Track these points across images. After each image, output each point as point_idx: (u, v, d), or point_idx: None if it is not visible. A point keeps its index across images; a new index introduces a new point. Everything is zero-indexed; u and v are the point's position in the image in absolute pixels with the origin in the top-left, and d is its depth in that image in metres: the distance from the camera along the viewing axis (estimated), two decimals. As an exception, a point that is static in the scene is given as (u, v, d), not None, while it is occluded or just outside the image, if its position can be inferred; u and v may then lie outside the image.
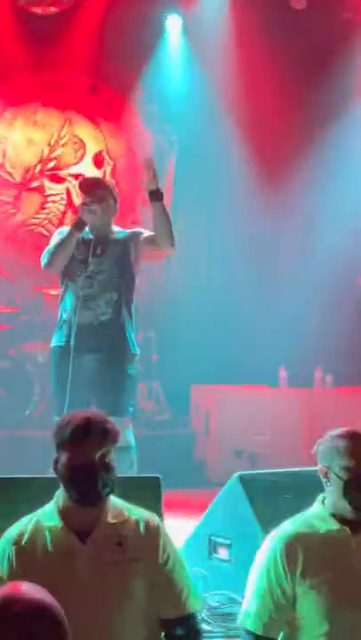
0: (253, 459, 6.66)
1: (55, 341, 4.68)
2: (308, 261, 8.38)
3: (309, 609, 2.42)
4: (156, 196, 4.51)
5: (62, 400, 4.45)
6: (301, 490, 2.67)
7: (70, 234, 4.58)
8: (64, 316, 4.65)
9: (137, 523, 2.46)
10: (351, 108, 8.36)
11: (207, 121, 8.44)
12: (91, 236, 4.65)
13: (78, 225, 4.58)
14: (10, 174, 8.82)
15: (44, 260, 4.65)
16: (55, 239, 4.67)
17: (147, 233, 4.66)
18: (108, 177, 8.66)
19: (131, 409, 4.53)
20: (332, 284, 8.10)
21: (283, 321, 7.79)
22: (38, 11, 8.28)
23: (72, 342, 4.51)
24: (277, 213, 8.13)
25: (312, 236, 8.41)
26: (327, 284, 8.08)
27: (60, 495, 2.47)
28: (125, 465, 4.13)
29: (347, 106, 8.35)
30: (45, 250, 4.68)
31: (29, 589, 1.21)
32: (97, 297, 4.56)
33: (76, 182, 8.53)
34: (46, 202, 8.82)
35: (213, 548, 3.66)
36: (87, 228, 4.63)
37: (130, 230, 4.77)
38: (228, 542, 3.58)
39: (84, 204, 4.62)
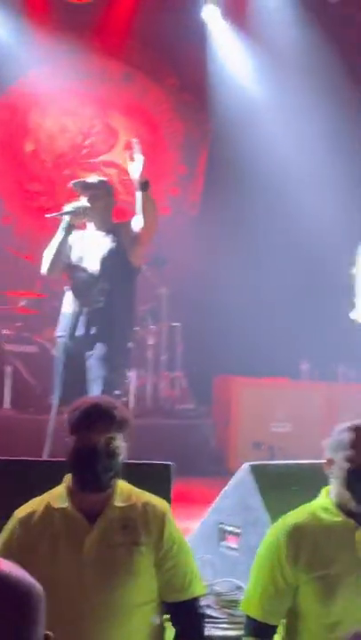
0: (273, 451, 6.68)
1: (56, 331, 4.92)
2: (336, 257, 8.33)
3: (311, 599, 2.44)
4: (146, 186, 4.63)
5: (59, 386, 4.69)
6: (312, 481, 2.69)
7: (60, 240, 4.75)
8: (62, 307, 4.88)
9: (144, 507, 2.50)
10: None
11: (244, 111, 8.39)
12: (88, 232, 4.86)
13: (66, 228, 4.73)
14: (42, 162, 8.90)
15: (43, 267, 4.84)
16: (49, 246, 4.81)
17: (134, 219, 4.78)
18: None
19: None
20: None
21: (307, 315, 7.78)
22: (72, -1, 8.34)
23: (67, 331, 4.71)
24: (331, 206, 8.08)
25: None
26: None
27: (69, 478, 2.52)
28: None
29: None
30: (43, 256, 4.83)
31: (8, 567, 1.25)
32: (91, 287, 4.72)
33: (108, 170, 8.61)
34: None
35: (223, 535, 3.70)
36: (92, 224, 4.81)
37: (122, 221, 4.91)
38: (238, 531, 3.61)
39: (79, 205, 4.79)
